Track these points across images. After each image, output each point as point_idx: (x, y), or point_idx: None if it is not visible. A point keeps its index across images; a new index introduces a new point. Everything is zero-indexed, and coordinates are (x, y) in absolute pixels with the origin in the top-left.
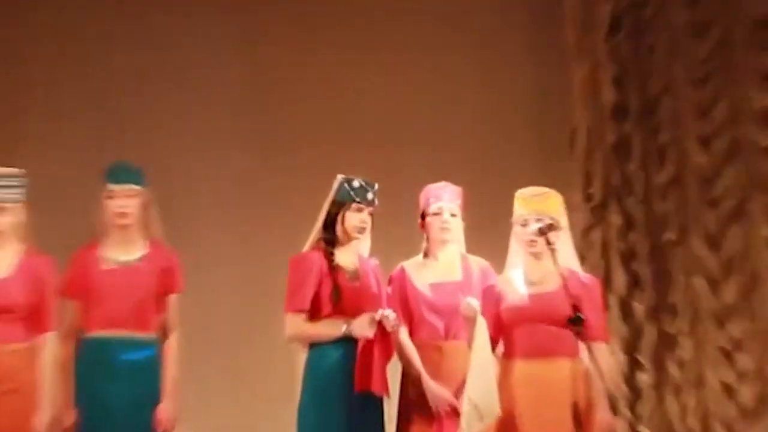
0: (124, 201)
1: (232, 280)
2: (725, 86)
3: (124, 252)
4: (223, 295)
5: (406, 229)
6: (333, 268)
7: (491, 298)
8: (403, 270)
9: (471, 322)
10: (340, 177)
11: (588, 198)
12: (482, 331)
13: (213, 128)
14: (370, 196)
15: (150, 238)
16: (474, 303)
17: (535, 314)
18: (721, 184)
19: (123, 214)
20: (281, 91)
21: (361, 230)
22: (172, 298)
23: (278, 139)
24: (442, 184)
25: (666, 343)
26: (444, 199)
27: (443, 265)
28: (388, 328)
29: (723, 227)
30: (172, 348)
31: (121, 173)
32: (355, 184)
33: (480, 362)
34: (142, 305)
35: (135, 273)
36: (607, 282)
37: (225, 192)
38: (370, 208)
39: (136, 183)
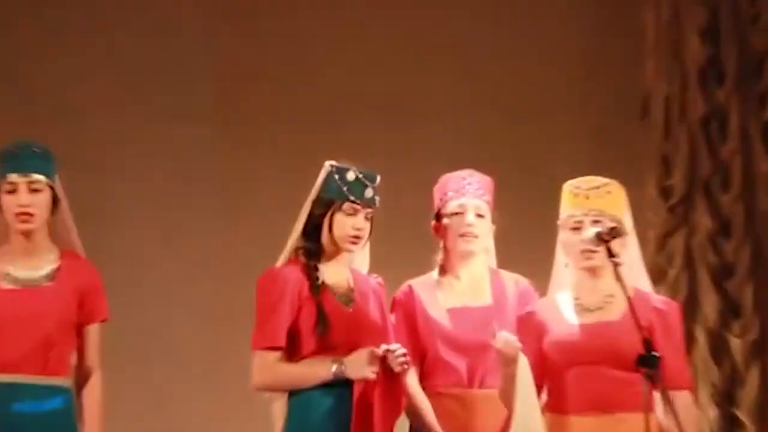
0: (28, 197)
1: (180, 303)
2: None
3: (26, 267)
4: (168, 324)
5: (414, 235)
6: (317, 289)
7: (530, 330)
8: (411, 291)
9: (508, 364)
10: (328, 164)
11: (666, 193)
12: (526, 377)
13: (156, 102)
14: (369, 193)
15: (63, 248)
16: (513, 338)
17: (591, 353)
18: None
19: (26, 215)
20: (249, 53)
21: (355, 240)
22: (93, 330)
23: (245, 114)
24: (465, 173)
25: None
26: (467, 194)
27: (467, 284)
28: (395, 368)
29: None
30: (92, 397)
31: (23, 159)
32: (350, 176)
33: (523, 421)
34: (50, 339)
35: (41, 296)
36: (691, 307)
37: (171, 186)
38: (369, 210)
39: (45, 172)
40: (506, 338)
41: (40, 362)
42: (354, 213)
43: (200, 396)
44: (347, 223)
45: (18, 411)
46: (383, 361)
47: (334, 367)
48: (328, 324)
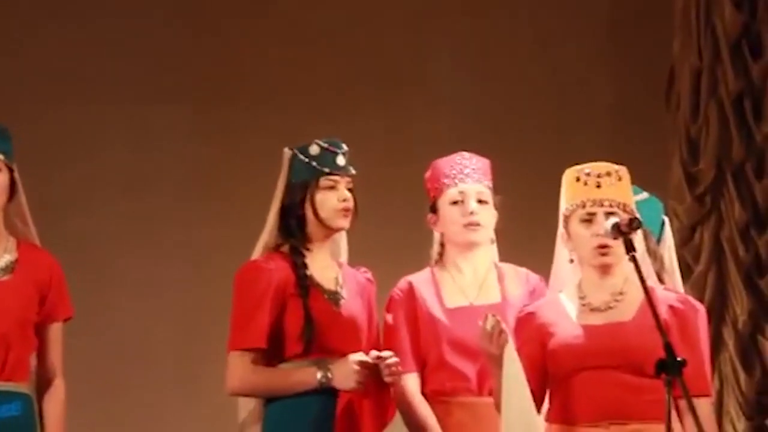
0: None
1: (151, 298)
2: None
3: None
4: (138, 321)
5: (411, 225)
6: (305, 288)
7: (531, 332)
8: (411, 288)
9: (493, 357)
10: (287, 149)
11: (692, 179)
12: (513, 372)
13: (129, 83)
14: (341, 160)
15: (19, 239)
16: (494, 321)
17: (601, 356)
18: None
19: None
20: (229, 31)
21: (345, 212)
22: (55, 329)
23: (224, 96)
24: (460, 155)
25: None
26: (468, 180)
27: (472, 280)
28: (386, 378)
29: None
30: (54, 402)
31: None
32: (314, 150)
33: (516, 424)
34: (8, 340)
35: None
36: (719, 308)
37: (144, 173)
38: (347, 179)
39: (2, 150)
40: (494, 321)
41: None
42: (334, 185)
43: (172, 400)
44: (331, 197)
45: None
46: (373, 368)
47: (319, 376)
48: (315, 327)
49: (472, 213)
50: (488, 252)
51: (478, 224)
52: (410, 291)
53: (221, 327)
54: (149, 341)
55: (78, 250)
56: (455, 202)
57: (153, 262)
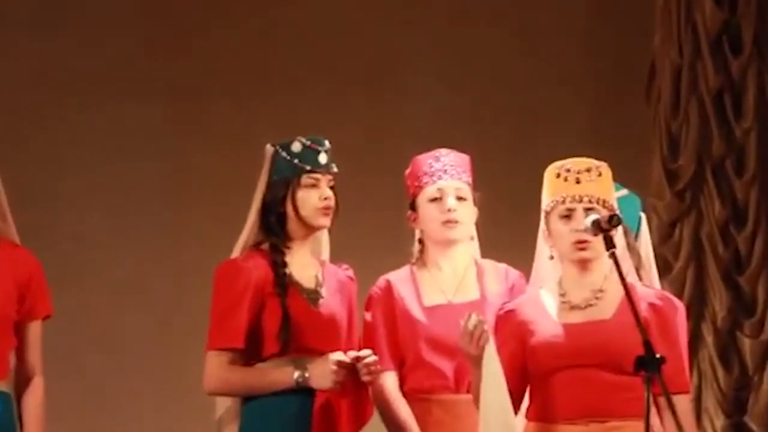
0: None
1: (129, 296)
2: None
3: None
4: (116, 318)
5: (392, 221)
6: (283, 287)
7: (511, 330)
8: (389, 286)
9: (474, 355)
10: (269, 146)
11: (672, 176)
12: (492, 371)
13: (100, 74)
14: (323, 158)
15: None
16: (476, 320)
17: (582, 355)
18: None
19: None
20: (205, 25)
21: (326, 211)
22: (34, 327)
23: (201, 91)
24: (439, 152)
25: None
26: (446, 176)
27: (451, 277)
28: (364, 377)
29: None
30: (34, 402)
31: None
32: (296, 147)
33: (493, 421)
34: None
35: None
36: (698, 304)
37: (120, 168)
38: (329, 177)
39: None
40: (476, 320)
41: None
42: (315, 183)
43: (151, 397)
44: (312, 196)
45: None
46: (351, 367)
47: (296, 375)
48: (292, 327)
49: (449, 210)
50: (467, 249)
51: (456, 221)
52: (388, 289)
53: (200, 324)
54: (128, 338)
55: (55, 246)
56: (434, 199)
57: (132, 260)
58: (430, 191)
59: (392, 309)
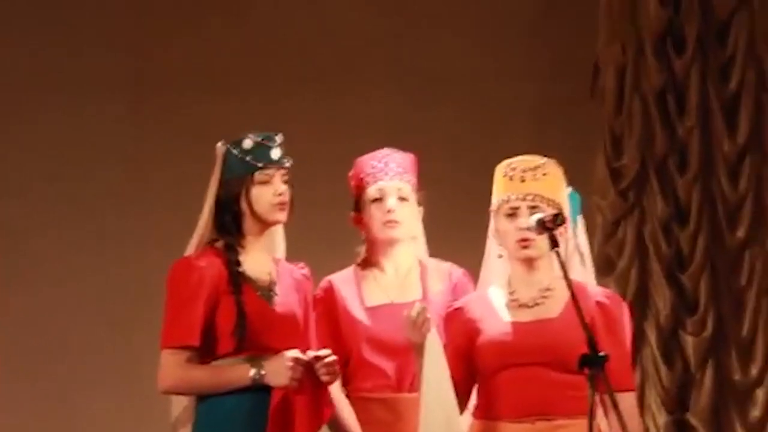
0: None
1: (82, 294)
2: None
3: None
4: (67, 316)
5: (345, 220)
6: (237, 285)
7: (459, 328)
8: (331, 287)
9: (417, 343)
10: (220, 145)
11: (616, 174)
12: (434, 361)
13: (55, 67)
14: (276, 153)
15: None
16: (420, 308)
17: (529, 353)
18: None
19: None
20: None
21: (282, 206)
22: None
23: (161, 89)
24: (381, 152)
25: (732, 397)
26: (387, 176)
27: (393, 277)
28: (322, 377)
29: None
30: None
31: None
32: (247, 144)
33: (435, 415)
34: None
35: None
36: (642, 302)
37: (77, 165)
38: (283, 172)
39: None
40: (420, 308)
41: None
42: (269, 179)
43: (101, 398)
44: (266, 192)
45: None
46: (308, 366)
47: (252, 372)
48: (247, 325)
49: (390, 210)
50: (410, 249)
51: (397, 221)
52: (330, 290)
53: (146, 317)
54: (71, 331)
55: (8, 248)
56: (375, 200)
57: (76, 250)
58: (371, 192)
59: (334, 309)
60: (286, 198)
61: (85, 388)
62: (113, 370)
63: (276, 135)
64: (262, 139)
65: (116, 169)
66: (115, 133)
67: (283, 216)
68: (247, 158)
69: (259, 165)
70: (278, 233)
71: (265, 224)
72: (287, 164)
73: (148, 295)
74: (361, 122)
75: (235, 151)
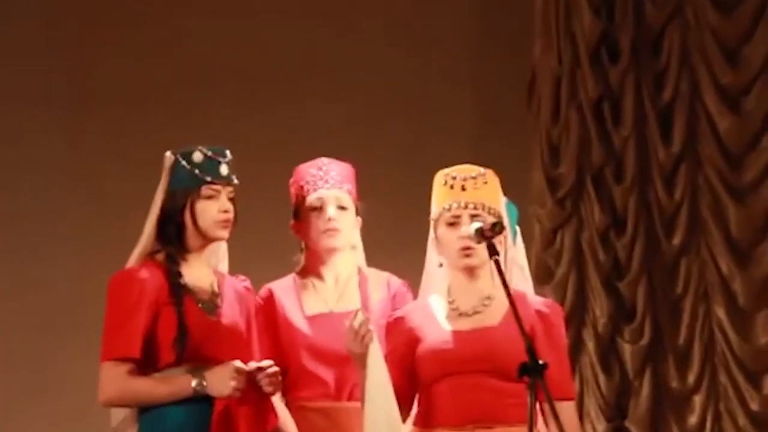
0: None
1: (17, 305)
2: None
3: None
4: (6, 335)
5: (285, 229)
6: (178, 296)
7: (400, 336)
8: (271, 295)
9: (359, 353)
10: (169, 154)
11: (554, 183)
12: (376, 370)
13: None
14: (224, 170)
15: None
16: (362, 319)
17: (469, 362)
18: (763, 160)
19: None
20: (100, 30)
21: (226, 223)
22: None
23: (98, 97)
24: (321, 161)
25: (670, 404)
26: (327, 185)
27: (332, 286)
28: (265, 388)
29: (762, 231)
30: None
31: None
32: (197, 157)
33: (375, 425)
34: None
35: None
36: (580, 310)
37: (10, 175)
38: (230, 189)
39: None
40: (362, 319)
41: None
42: (215, 195)
43: (37, 411)
44: (211, 207)
45: None
46: (251, 376)
47: (194, 383)
48: (188, 336)
49: (329, 219)
50: (349, 258)
51: (336, 230)
52: (270, 298)
53: (81, 330)
54: (5, 345)
55: None
56: (314, 209)
57: (9, 263)
58: (310, 200)
59: (274, 318)
60: (231, 215)
61: (21, 399)
62: (49, 381)
63: (226, 150)
64: (212, 154)
65: (47, 179)
66: (52, 144)
67: (225, 233)
68: (196, 171)
69: (207, 179)
70: (221, 247)
71: (206, 239)
72: (235, 182)
73: (85, 307)
74: (301, 133)
75: (183, 162)
